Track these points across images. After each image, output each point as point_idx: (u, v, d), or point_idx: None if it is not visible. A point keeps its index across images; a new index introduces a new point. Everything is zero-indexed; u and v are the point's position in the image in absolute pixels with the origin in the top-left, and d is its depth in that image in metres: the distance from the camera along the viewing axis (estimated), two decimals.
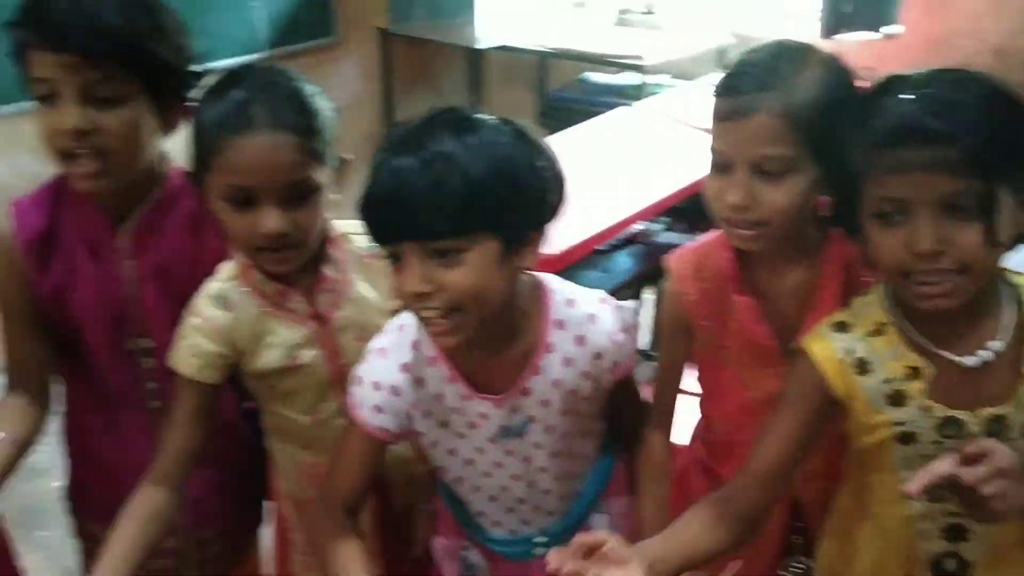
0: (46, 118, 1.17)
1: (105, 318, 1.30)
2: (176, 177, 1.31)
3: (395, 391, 1.16)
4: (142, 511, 1.21)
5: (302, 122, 1.14)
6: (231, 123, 1.12)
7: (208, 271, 1.29)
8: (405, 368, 1.16)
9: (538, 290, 1.17)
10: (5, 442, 1.25)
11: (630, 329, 1.21)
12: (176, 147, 1.30)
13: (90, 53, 1.14)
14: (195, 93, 1.26)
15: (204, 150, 1.15)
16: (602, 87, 3.91)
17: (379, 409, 1.17)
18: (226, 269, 1.26)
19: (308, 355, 1.26)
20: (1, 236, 1.27)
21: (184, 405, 1.25)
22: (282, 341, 1.25)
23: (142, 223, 1.29)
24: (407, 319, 1.17)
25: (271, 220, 1.13)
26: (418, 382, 1.17)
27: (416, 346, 1.16)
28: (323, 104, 1.19)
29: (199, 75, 1.27)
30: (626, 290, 2.58)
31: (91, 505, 1.47)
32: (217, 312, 1.23)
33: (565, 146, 2.44)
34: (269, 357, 1.25)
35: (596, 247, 2.26)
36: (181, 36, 1.26)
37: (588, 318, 1.17)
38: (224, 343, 1.23)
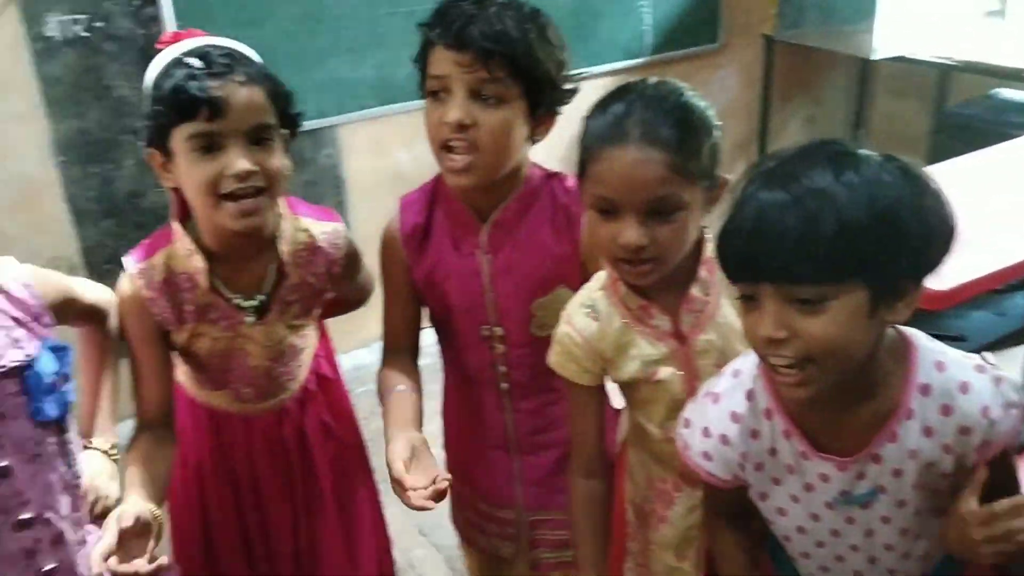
0: (435, 111, 1.28)
1: (465, 306, 1.41)
2: (536, 179, 1.38)
3: (724, 440, 1.11)
4: (584, 507, 1.34)
5: (677, 139, 1.11)
6: (607, 135, 1.13)
7: (559, 271, 1.35)
8: (736, 417, 1.10)
9: (904, 347, 1.04)
10: (408, 392, 1.39)
11: (1010, 407, 1.03)
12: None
13: (484, 54, 1.22)
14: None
15: (583, 158, 1.17)
16: (1016, 105, 3.48)
17: (707, 456, 1.13)
18: (597, 279, 1.28)
19: (665, 372, 1.24)
20: (391, 227, 1.42)
21: (577, 404, 1.32)
22: (641, 355, 1.24)
23: (500, 221, 1.36)
24: (744, 364, 1.12)
25: (630, 233, 1.13)
26: (751, 433, 1.10)
27: (751, 395, 1.10)
28: (708, 122, 1.16)
29: (573, 91, 1.32)
30: (1021, 337, 2.26)
31: (457, 468, 1.59)
32: (586, 321, 1.26)
33: (967, 170, 2.20)
34: (628, 368, 1.25)
35: (992, 287, 2.00)
36: (563, 52, 1.31)
37: (959, 386, 1.02)
38: (590, 351, 1.26)
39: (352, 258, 1.47)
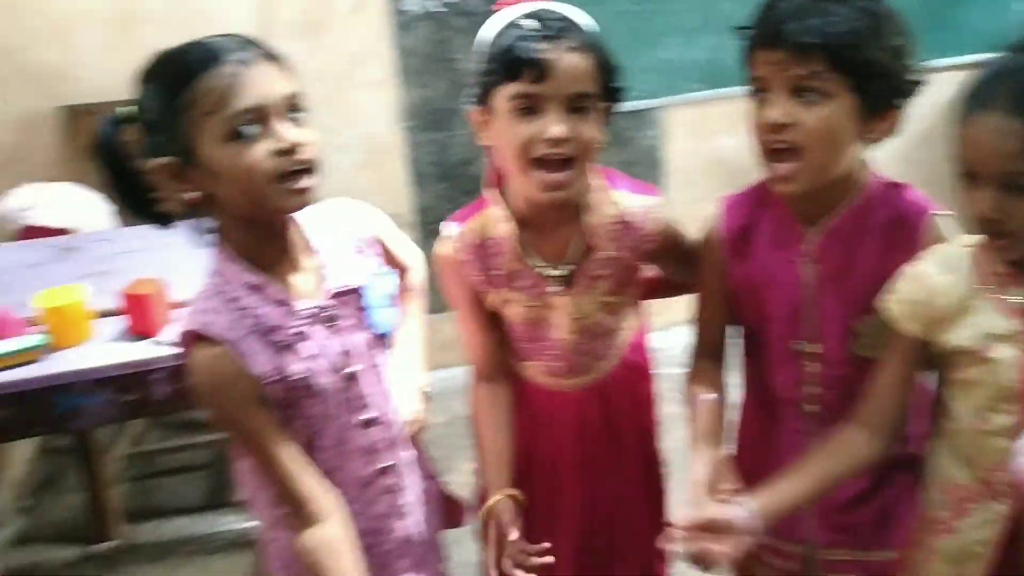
0: (757, 113, 1.23)
1: (780, 317, 1.33)
2: (876, 187, 1.28)
3: None
4: (832, 447, 1.25)
5: None
6: (977, 94, 1.06)
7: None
8: None
9: None
10: (717, 403, 1.37)
11: None
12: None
13: (799, 49, 1.16)
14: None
15: (957, 115, 1.09)
16: None
17: None
18: (968, 236, 1.19)
19: (1002, 351, 1.12)
20: (713, 228, 1.38)
21: (890, 351, 1.24)
22: (982, 325, 1.13)
23: (831, 230, 1.28)
24: None
25: (980, 205, 1.06)
26: None
27: None
28: None
29: (915, 84, 1.22)
30: None
31: (742, 489, 1.53)
32: (935, 270, 1.18)
33: None
34: (960, 335, 1.15)
35: None
36: (902, 40, 1.20)
37: None
38: (928, 301, 1.17)
39: (669, 236, 1.43)
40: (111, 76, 2.72)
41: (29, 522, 2.72)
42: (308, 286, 1.22)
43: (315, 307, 1.21)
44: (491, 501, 1.39)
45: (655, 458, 1.58)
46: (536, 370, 1.48)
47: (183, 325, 1.17)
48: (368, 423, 1.29)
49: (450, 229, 1.41)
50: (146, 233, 2.54)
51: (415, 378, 1.50)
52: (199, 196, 1.13)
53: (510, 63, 1.24)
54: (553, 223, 1.36)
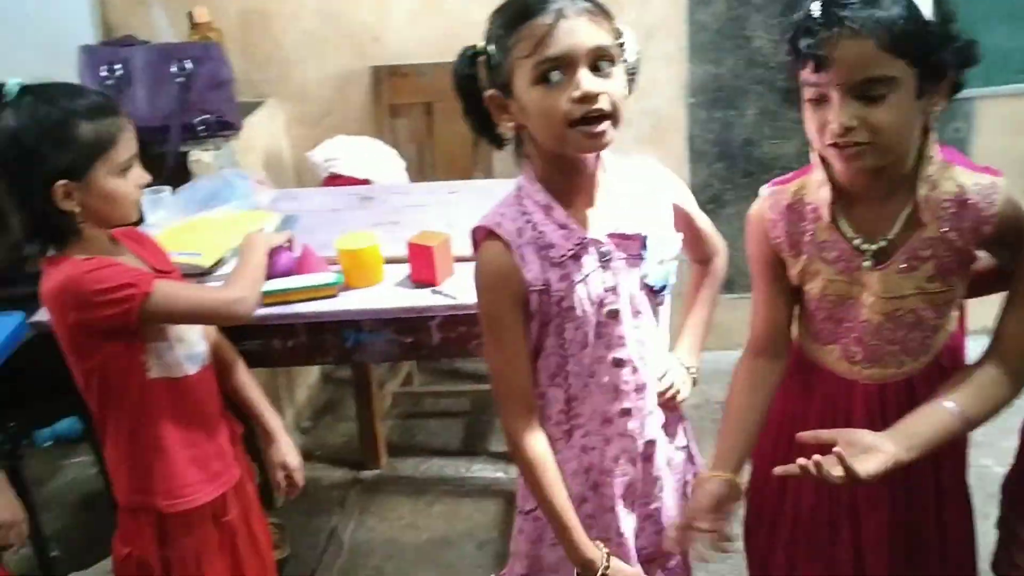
0: None
1: None
2: None
3: None
4: None
5: None
6: None
7: None
8: None
9: None
10: (949, 414, 1.25)
11: None
12: None
13: None
14: None
15: None
16: None
17: None
18: None
19: None
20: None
21: None
22: None
23: None
24: None
25: None
26: None
27: None
28: None
29: None
30: None
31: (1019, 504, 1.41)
32: None
33: None
34: None
35: None
36: None
37: None
38: None
39: (1011, 220, 1.28)
40: (418, 41, 2.90)
41: (307, 441, 3.01)
42: (595, 221, 1.31)
43: (593, 239, 1.30)
44: (712, 474, 1.37)
45: (962, 476, 1.45)
46: (834, 355, 1.40)
47: (479, 222, 1.32)
48: (620, 363, 1.34)
49: (765, 189, 1.40)
50: (435, 189, 2.72)
51: (688, 354, 1.51)
52: (516, 126, 1.28)
53: (795, 53, 1.22)
54: (878, 194, 1.29)
